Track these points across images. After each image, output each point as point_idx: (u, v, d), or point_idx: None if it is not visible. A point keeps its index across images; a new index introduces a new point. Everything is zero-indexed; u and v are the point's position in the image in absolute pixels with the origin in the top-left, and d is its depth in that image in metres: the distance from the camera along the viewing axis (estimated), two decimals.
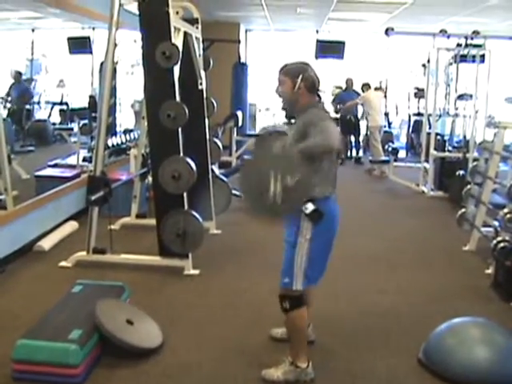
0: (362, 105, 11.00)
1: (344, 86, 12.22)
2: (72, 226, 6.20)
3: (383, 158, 10.12)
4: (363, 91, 11.13)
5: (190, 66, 5.70)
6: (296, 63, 3.20)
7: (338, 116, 11.63)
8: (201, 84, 5.89)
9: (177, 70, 4.85)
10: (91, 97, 10.00)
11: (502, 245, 4.83)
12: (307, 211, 2.98)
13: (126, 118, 10.96)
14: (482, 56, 8.72)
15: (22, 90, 10.49)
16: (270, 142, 2.94)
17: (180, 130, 4.85)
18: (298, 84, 3.09)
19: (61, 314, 3.55)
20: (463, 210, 6.09)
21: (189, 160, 4.79)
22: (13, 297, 4.43)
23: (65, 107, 11.36)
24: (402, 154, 11.45)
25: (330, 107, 12.34)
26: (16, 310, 4.14)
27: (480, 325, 3.58)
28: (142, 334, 3.59)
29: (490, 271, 5.03)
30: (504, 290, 4.59)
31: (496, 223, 5.35)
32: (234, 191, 6.69)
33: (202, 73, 5.98)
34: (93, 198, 4.77)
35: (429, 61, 9.26)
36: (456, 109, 9.80)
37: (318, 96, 3.21)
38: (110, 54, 4.89)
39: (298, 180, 2.74)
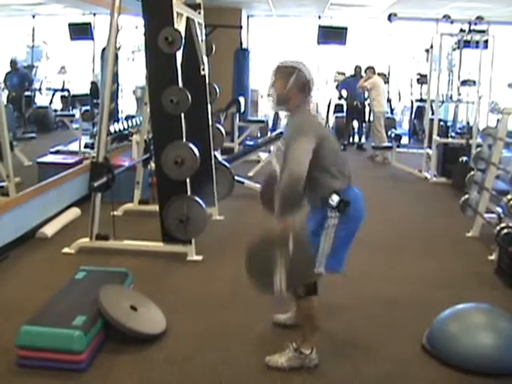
0: (368, 90, 10.94)
1: (347, 73, 12.20)
2: (74, 212, 6.19)
3: (386, 144, 10.09)
4: (366, 73, 11.08)
5: (192, 52, 5.67)
6: (288, 63, 3.18)
7: (344, 102, 11.63)
8: (203, 69, 5.86)
9: (179, 55, 4.83)
10: (93, 83, 9.98)
11: (505, 231, 4.81)
12: (333, 203, 3.05)
13: (127, 105, 10.93)
14: (486, 42, 8.67)
15: (19, 77, 10.47)
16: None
17: (183, 115, 4.83)
18: (289, 84, 3.09)
19: (65, 300, 3.56)
20: (466, 196, 6.07)
21: (192, 146, 4.77)
22: (16, 283, 4.43)
23: (66, 94, 11.35)
24: (404, 140, 11.41)
25: (334, 93, 12.36)
26: (20, 297, 4.15)
27: (484, 311, 3.58)
28: (146, 319, 3.59)
29: (493, 257, 5.03)
30: (507, 275, 4.58)
31: (499, 209, 5.33)
32: (236, 177, 6.69)
33: (205, 58, 5.95)
34: (95, 184, 4.76)
35: (432, 46, 9.20)
36: (459, 95, 9.77)
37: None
38: (112, 40, 4.86)
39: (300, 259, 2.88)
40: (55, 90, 11.47)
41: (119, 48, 5.04)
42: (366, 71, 11.08)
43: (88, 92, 9.77)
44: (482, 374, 3.16)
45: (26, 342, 3.17)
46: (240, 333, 3.66)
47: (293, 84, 3.09)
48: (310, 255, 2.95)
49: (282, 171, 3.16)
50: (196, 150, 4.77)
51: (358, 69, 11.46)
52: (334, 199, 3.04)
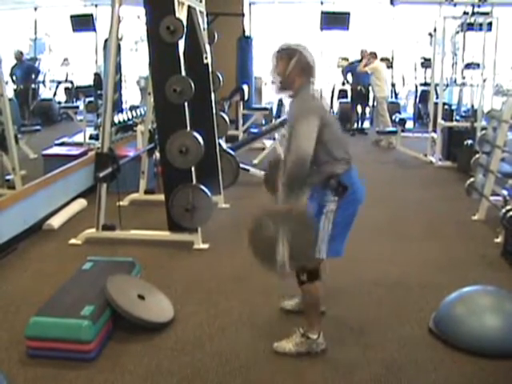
0: (370, 74, 10.90)
1: (350, 58, 12.16)
2: (80, 203, 6.21)
3: (390, 128, 10.07)
4: (366, 58, 11.05)
5: (194, 41, 5.66)
6: (290, 45, 3.18)
7: (349, 87, 11.62)
8: (206, 58, 5.85)
9: (182, 44, 4.83)
10: (96, 74, 9.98)
11: (511, 213, 4.81)
12: (332, 187, 3.07)
13: (131, 95, 10.95)
14: (489, 24, 8.62)
15: (26, 68, 10.49)
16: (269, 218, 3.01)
17: (186, 104, 4.83)
18: (291, 66, 3.09)
19: (72, 291, 3.58)
20: (472, 179, 6.06)
21: (196, 134, 4.78)
22: (25, 275, 4.46)
23: (70, 86, 11.36)
24: (409, 124, 11.37)
25: (339, 78, 12.32)
26: (28, 288, 4.19)
27: (490, 293, 3.58)
28: (154, 308, 3.61)
29: (499, 240, 5.03)
30: None
31: (505, 192, 5.33)
32: (241, 165, 6.70)
33: (207, 47, 5.94)
34: (101, 174, 4.77)
35: (435, 30, 9.16)
36: (463, 78, 9.73)
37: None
38: (114, 31, 4.86)
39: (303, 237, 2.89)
40: (59, 82, 11.50)
41: (121, 39, 5.03)
42: (366, 55, 11.07)
43: (91, 83, 9.76)
44: (488, 356, 3.17)
45: (36, 332, 3.20)
46: (247, 320, 3.68)
47: (294, 66, 3.09)
48: (312, 231, 2.94)
49: (286, 155, 3.18)
50: (200, 139, 4.77)
51: (364, 53, 11.42)
52: (333, 183, 3.05)
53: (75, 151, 6.94)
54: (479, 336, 3.25)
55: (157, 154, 6.74)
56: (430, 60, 11.17)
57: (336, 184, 3.05)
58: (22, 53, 10.25)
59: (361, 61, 11.29)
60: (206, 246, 5.00)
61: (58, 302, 3.45)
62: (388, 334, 3.48)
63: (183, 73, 4.81)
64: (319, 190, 3.13)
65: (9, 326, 3.55)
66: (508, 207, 4.90)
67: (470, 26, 8.94)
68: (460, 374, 3.06)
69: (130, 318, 3.41)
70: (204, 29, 5.90)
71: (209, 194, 4.94)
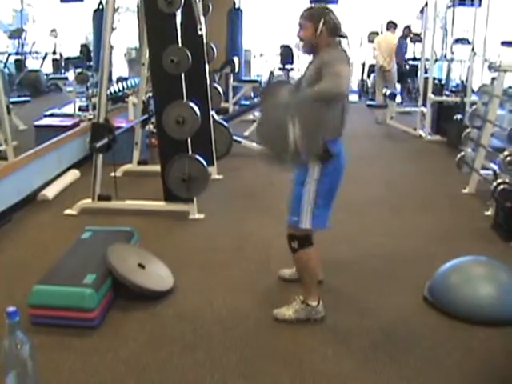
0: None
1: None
2: (74, 174, 6.22)
3: (381, 102, 10.12)
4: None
5: (189, 12, 5.64)
6: (317, 7, 3.16)
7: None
8: (200, 29, 5.84)
9: (179, 15, 4.82)
10: (83, 46, 9.91)
11: (501, 187, 4.90)
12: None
13: (116, 67, 10.85)
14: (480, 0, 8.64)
15: None
16: (280, 89, 2.95)
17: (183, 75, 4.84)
18: (319, 28, 3.05)
19: (73, 260, 3.61)
20: (462, 153, 6.13)
21: (193, 105, 4.80)
22: (22, 245, 4.48)
23: (58, 57, 11.25)
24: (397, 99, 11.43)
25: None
26: (27, 257, 4.21)
27: (483, 263, 3.67)
28: (154, 277, 3.66)
29: (489, 213, 5.12)
30: (504, 230, 4.67)
31: (495, 166, 5.41)
32: (234, 137, 6.72)
33: (202, 18, 5.93)
34: (97, 145, 4.78)
35: (426, 4, 9.17)
36: (452, 53, 9.77)
37: (342, 37, 3.17)
38: (111, 1, 4.83)
39: (314, 121, 2.76)
40: (46, 54, 11.38)
41: (118, 9, 5.00)
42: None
43: (81, 55, 9.72)
44: (481, 323, 3.26)
45: (39, 301, 3.23)
46: (246, 287, 3.74)
47: (323, 28, 3.05)
48: (322, 115, 2.80)
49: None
50: (197, 109, 4.80)
51: (405, 29, 11.39)
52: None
53: (68, 122, 6.92)
54: (472, 304, 3.34)
55: (150, 126, 6.76)
56: (419, 35, 11.20)
57: (321, 152, 2.98)
58: None
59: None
60: (201, 216, 5.05)
61: (60, 271, 3.47)
62: (384, 302, 3.56)
63: (180, 44, 4.81)
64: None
65: (10, 294, 3.56)
66: (499, 180, 4.99)
67: (461, 2, 8.96)
68: (454, 340, 3.15)
69: (131, 286, 3.45)
70: (199, 0, 5.87)
71: (205, 164, 4.97)
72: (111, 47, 4.96)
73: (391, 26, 10.82)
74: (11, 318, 1.41)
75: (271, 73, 10.91)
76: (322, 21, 3.05)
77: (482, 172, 5.77)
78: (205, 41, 6.00)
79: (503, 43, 10.36)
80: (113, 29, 4.92)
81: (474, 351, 3.05)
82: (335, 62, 2.86)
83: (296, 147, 2.72)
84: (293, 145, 2.71)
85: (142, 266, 3.62)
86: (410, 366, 2.90)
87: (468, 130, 6.27)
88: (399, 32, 11.39)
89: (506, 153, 5.04)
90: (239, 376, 2.79)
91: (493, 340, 3.15)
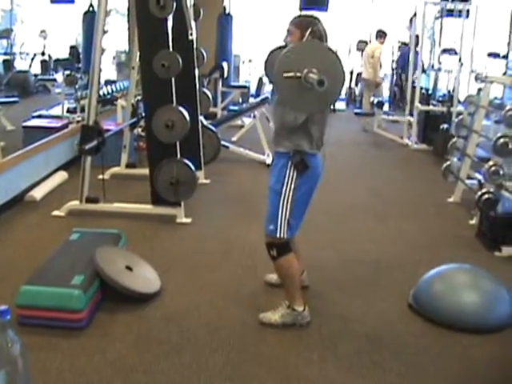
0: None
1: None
2: (62, 176, 6.22)
3: (367, 111, 10.20)
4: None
5: (180, 17, 5.66)
6: (307, 16, 3.24)
7: None
8: (191, 34, 5.87)
9: (170, 19, 4.84)
10: (73, 47, 9.90)
11: (486, 196, 4.94)
12: (295, 161, 3.11)
13: (104, 70, 10.84)
14: (468, 11, 8.74)
15: None
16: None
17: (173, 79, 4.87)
18: (306, 36, 3.11)
19: (61, 261, 3.61)
20: (448, 162, 6.20)
21: (182, 109, 4.83)
22: (9, 245, 4.48)
23: (47, 58, 11.22)
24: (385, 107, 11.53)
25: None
26: (14, 258, 4.21)
27: (467, 271, 3.72)
28: (141, 279, 3.68)
29: (474, 222, 5.19)
30: (488, 239, 4.74)
31: (480, 176, 5.47)
32: (222, 142, 6.76)
33: (193, 23, 5.96)
34: (86, 147, 4.79)
35: (415, 14, 9.27)
36: (440, 63, 9.88)
37: None
38: (103, 4, 4.84)
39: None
40: (35, 54, 11.34)
41: (109, 12, 5.02)
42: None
43: (68, 56, 9.69)
44: (464, 330, 3.31)
45: (26, 301, 3.23)
46: (233, 291, 3.77)
47: (309, 36, 3.10)
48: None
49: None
50: (186, 114, 4.83)
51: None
52: (297, 158, 3.09)
53: (56, 123, 6.91)
54: (456, 311, 3.39)
55: (138, 129, 6.77)
56: (407, 44, 11.29)
57: (299, 160, 3.09)
58: None
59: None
60: (188, 220, 5.07)
61: (48, 272, 3.48)
62: (369, 308, 3.60)
63: (171, 48, 4.84)
64: (281, 160, 3.16)
65: None
66: (484, 190, 5.04)
67: (449, 12, 9.07)
68: (439, 346, 3.19)
69: (118, 288, 3.46)
70: (190, 5, 5.91)
71: (193, 168, 5.00)
72: (102, 50, 4.97)
73: (380, 34, 10.81)
74: (2, 317, 1.43)
75: (260, 79, 10.98)
76: (309, 29, 3.12)
77: (467, 181, 5.84)
78: (195, 46, 6.03)
79: (490, 54, 10.49)
80: (104, 31, 4.93)
81: (458, 358, 3.10)
82: None
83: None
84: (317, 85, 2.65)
85: (129, 268, 3.64)
86: (394, 372, 2.94)
87: (454, 140, 6.33)
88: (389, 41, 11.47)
89: (490, 163, 5.08)
90: (225, 379, 2.82)
91: (476, 347, 3.20)
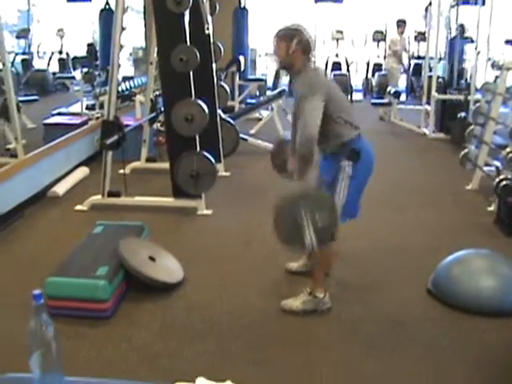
0: None
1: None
2: (83, 171, 6.32)
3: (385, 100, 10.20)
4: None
5: (196, 11, 5.72)
6: (290, 27, 3.32)
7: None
8: (207, 29, 5.93)
9: (187, 14, 4.91)
10: (90, 45, 9.99)
11: (504, 183, 4.96)
12: (345, 154, 3.24)
13: (122, 67, 10.92)
14: None
15: None
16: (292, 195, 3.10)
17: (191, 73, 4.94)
18: (292, 47, 3.24)
19: (86, 253, 3.71)
20: (466, 150, 6.21)
21: (201, 103, 4.90)
22: (34, 240, 4.59)
23: (65, 56, 11.34)
24: (402, 97, 11.50)
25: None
26: (39, 252, 4.32)
27: (485, 256, 3.76)
28: (164, 269, 3.76)
29: (492, 209, 5.19)
30: (506, 225, 4.75)
31: (497, 163, 5.49)
32: (241, 135, 6.82)
33: (209, 18, 6.02)
34: (108, 141, 4.87)
35: (431, 3, 9.24)
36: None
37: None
38: (121, 1, 4.92)
39: (326, 215, 2.97)
40: (53, 53, 11.47)
41: (127, 9, 5.10)
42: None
43: (85, 54, 9.78)
44: (482, 314, 3.35)
45: (53, 292, 3.31)
46: (254, 280, 3.85)
47: (296, 47, 3.24)
48: (335, 212, 3.04)
49: (294, 131, 3.38)
50: (205, 107, 4.90)
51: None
52: (347, 150, 3.22)
53: (76, 120, 7.02)
54: (474, 296, 3.43)
55: (157, 124, 6.85)
56: (423, 34, 11.26)
57: (349, 151, 3.22)
58: None
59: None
60: (209, 211, 5.15)
61: (73, 264, 3.58)
62: (389, 294, 3.66)
63: (188, 43, 4.91)
64: (333, 158, 3.28)
65: (24, 286, 3.63)
66: (501, 177, 5.06)
67: (465, 0, 9.03)
68: (457, 330, 3.24)
69: (142, 277, 3.55)
70: (206, 0, 5.97)
71: (213, 160, 5.07)
72: (121, 46, 5.05)
73: (400, 24, 10.81)
74: (36, 300, 1.50)
75: (277, 71, 11.01)
76: (295, 40, 3.24)
77: (485, 168, 5.84)
78: (212, 40, 6.09)
79: (507, 42, 10.44)
80: (122, 28, 5.01)
81: (475, 341, 3.14)
82: (308, 95, 3.15)
83: (312, 242, 2.89)
84: (309, 241, 2.89)
85: (152, 258, 3.72)
86: (413, 355, 3.00)
87: (471, 128, 6.34)
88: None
89: (508, 149, 5.11)
90: (248, 363, 2.89)
91: (493, 331, 3.24)
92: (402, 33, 10.92)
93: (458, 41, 9.81)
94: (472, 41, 9.07)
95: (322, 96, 3.14)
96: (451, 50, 9.92)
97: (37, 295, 1.51)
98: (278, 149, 3.87)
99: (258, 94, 11.64)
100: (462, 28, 10.86)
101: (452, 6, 9.86)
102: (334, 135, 3.25)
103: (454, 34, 10.16)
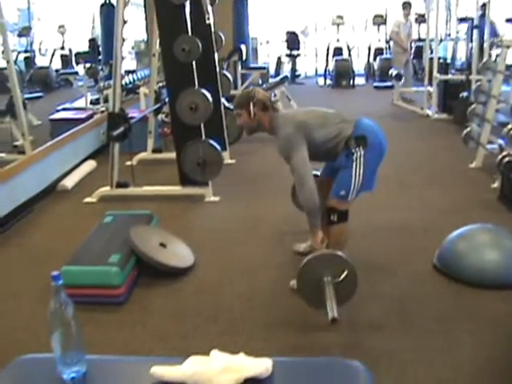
0: None
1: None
2: (91, 164, 6.41)
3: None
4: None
5: (197, 2, 5.77)
6: (242, 94, 3.50)
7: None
8: (208, 19, 5.98)
9: (188, 5, 4.96)
10: (92, 40, 10.05)
11: (507, 159, 5.00)
12: (352, 147, 3.32)
13: (123, 60, 10.95)
14: None
15: None
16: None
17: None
18: (252, 111, 3.36)
19: (97, 242, 3.79)
20: (468, 129, 6.25)
21: (205, 91, 4.96)
22: (46, 233, 4.68)
23: (67, 52, 11.40)
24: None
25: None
26: (51, 244, 4.40)
27: (488, 230, 3.82)
28: (175, 254, 3.84)
29: (495, 185, 5.24)
30: (510, 201, 4.81)
31: (500, 140, 5.54)
32: None
33: (209, 7, 6.06)
34: (114, 133, 4.95)
35: None
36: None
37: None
38: None
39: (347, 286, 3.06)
40: (55, 50, 11.53)
41: (128, 2, 5.15)
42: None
43: (87, 49, 9.84)
44: (487, 287, 3.42)
45: (67, 280, 3.34)
46: (262, 263, 3.92)
47: (254, 109, 3.37)
48: (355, 277, 3.09)
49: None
50: (209, 96, 4.96)
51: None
52: (352, 143, 3.31)
53: (82, 115, 7.10)
54: (479, 269, 3.50)
55: (162, 116, 6.92)
56: (423, 16, 11.26)
57: (354, 142, 3.30)
58: None
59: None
60: (216, 198, 5.23)
61: (86, 253, 3.66)
62: (395, 271, 3.73)
63: (190, 33, 4.97)
64: (345, 157, 3.36)
65: (38, 276, 3.74)
66: (504, 153, 5.11)
67: None
68: (463, 303, 3.31)
69: (153, 263, 3.63)
70: None
71: (218, 148, 5.14)
72: (123, 40, 5.11)
73: (406, 5, 10.69)
74: (55, 281, 1.58)
75: (278, 58, 11.05)
76: (251, 104, 3.36)
77: (487, 146, 5.89)
78: (213, 30, 6.14)
79: (508, 20, 10.42)
80: (124, 22, 5.07)
81: (482, 313, 3.21)
82: (290, 152, 3.30)
83: (333, 309, 2.90)
84: (330, 308, 2.90)
85: (163, 245, 3.80)
86: (420, 328, 3.07)
87: (473, 106, 6.38)
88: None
89: (510, 126, 5.16)
90: (260, 340, 2.97)
91: (499, 302, 3.31)
92: (407, 15, 10.75)
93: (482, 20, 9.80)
94: (472, 21, 9.06)
95: (302, 142, 3.29)
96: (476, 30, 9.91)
97: (55, 276, 1.59)
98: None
99: (260, 82, 11.67)
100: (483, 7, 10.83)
101: None
102: (336, 144, 3.35)
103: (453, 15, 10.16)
